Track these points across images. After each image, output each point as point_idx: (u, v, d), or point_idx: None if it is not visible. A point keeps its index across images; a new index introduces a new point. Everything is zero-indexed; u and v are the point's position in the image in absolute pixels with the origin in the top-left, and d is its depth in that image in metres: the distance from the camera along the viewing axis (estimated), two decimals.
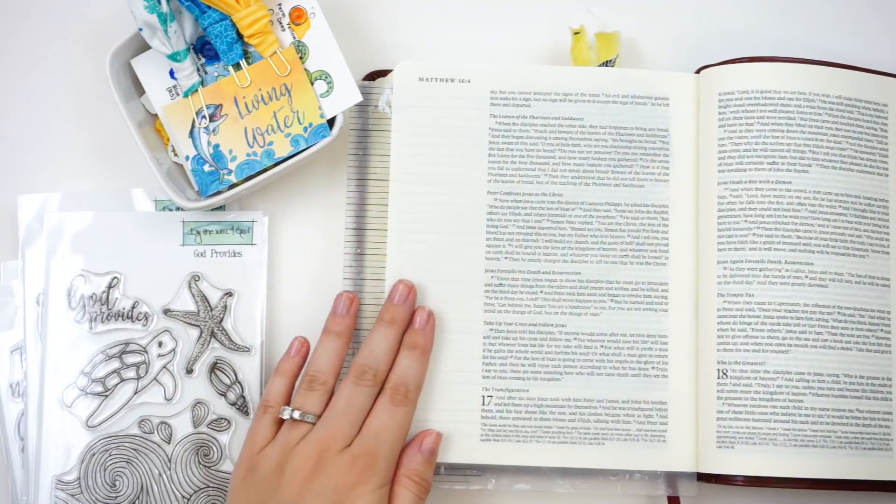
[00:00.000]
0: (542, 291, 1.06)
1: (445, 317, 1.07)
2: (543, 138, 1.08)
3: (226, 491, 1.07)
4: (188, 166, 1.08)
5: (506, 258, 1.07)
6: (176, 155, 1.10)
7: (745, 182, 1.05)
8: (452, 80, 1.09)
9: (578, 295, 1.06)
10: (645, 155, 1.08)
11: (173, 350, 1.09)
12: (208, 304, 1.09)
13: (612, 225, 1.07)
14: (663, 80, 1.09)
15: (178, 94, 1.08)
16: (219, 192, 1.08)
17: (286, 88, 1.07)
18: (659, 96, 1.08)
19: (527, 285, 1.06)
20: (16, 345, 1.10)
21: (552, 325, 1.06)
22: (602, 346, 1.05)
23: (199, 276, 1.10)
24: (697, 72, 1.10)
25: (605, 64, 1.10)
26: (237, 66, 1.08)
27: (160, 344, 1.09)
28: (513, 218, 1.07)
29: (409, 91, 1.10)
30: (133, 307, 1.09)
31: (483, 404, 1.05)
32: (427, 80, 1.10)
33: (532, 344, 1.06)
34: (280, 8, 1.08)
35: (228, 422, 1.08)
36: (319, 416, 1.00)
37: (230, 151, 1.07)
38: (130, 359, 1.09)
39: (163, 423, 1.08)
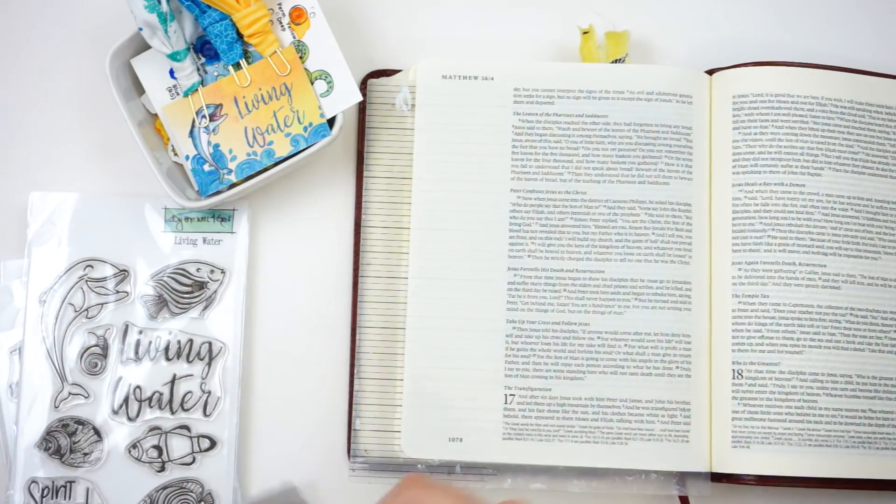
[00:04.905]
0: (565, 289, 1.06)
1: (468, 315, 1.06)
2: (567, 136, 1.08)
3: None
4: (188, 166, 1.07)
5: (529, 256, 1.06)
6: (176, 154, 1.09)
7: (760, 184, 1.06)
8: (476, 78, 1.09)
9: (602, 293, 1.06)
10: (670, 152, 1.08)
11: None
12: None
13: (637, 223, 1.07)
14: (687, 78, 1.10)
15: (178, 94, 1.07)
16: (219, 192, 1.07)
17: (286, 88, 1.06)
18: (683, 94, 1.09)
19: (550, 283, 1.06)
20: (15, 345, 1.08)
21: (575, 323, 1.05)
22: (626, 345, 1.05)
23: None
24: (709, 73, 1.11)
25: (615, 63, 1.10)
26: (237, 66, 1.07)
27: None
28: (536, 216, 1.07)
29: (432, 89, 1.09)
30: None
31: (505, 403, 1.04)
32: (450, 77, 1.09)
33: (555, 342, 1.05)
34: (280, 7, 1.07)
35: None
36: None
37: (230, 151, 1.06)
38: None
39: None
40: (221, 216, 1.10)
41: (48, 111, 1.13)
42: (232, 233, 1.10)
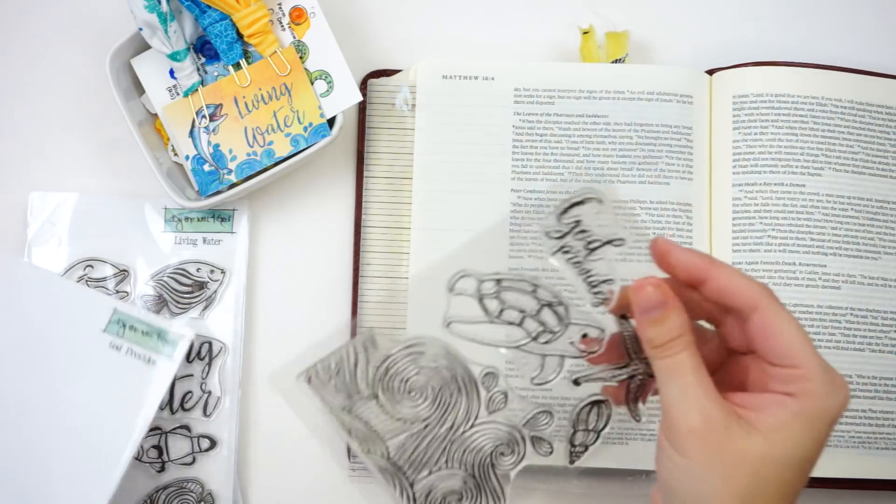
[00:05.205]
0: (565, 290, 1.06)
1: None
2: (567, 136, 1.08)
3: None
4: (188, 166, 1.06)
5: (529, 256, 1.06)
6: (176, 154, 1.09)
7: (760, 184, 1.07)
8: (476, 78, 1.09)
9: None
10: (670, 152, 1.08)
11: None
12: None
13: (637, 222, 1.07)
14: (687, 78, 1.10)
15: (178, 94, 1.07)
16: (219, 192, 1.07)
17: (286, 88, 1.06)
18: (683, 94, 1.09)
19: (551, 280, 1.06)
20: None
21: None
22: None
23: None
24: (709, 73, 1.11)
25: (615, 63, 1.10)
26: (237, 66, 1.06)
27: None
28: (536, 216, 1.07)
29: (432, 89, 1.10)
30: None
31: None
32: (450, 77, 1.09)
33: None
34: (280, 7, 1.07)
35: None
36: None
37: (230, 151, 1.06)
38: None
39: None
40: (221, 216, 1.10)
41: (48, 111, 1.13)
42: (232, 233, 1.10)
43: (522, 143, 1.08)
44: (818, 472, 1.02)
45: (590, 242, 0.83)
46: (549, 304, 0.85)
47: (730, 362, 0.83)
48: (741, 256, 1.06)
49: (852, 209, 1.07)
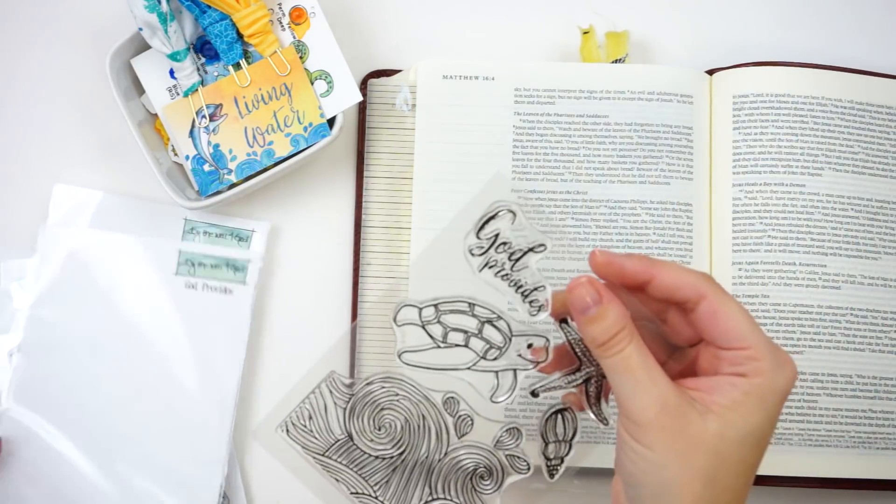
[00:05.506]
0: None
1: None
2: (567, 136, 1.08)
3: None
4: (188, 166, 1.06)
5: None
6: (176, 154, 1.08)
7: (760, 185, 1.07)
8: (476, 78, 1.09)
9: None
10: (670, 152, 1.08)
11: None
12: None
13: (638, 222, 1.07)
14: (688, 78, 1.10)
15: (178, 94, 1.07)
16: (219, 192, 1.07)
17: (286, 88, 1.06)
18: (684, 94, 1.09)
19: (551, 284, 1.05)
20: (15, 347, 1.07)
21: None
22: None
23: None
24: (710, 73, 1.11)
25: (615, 63, 1.10)
26: (237, 66, 1.06)
27: None
28: (536, 216, 1.07)
29: (432, 89, 1.09)
30: None
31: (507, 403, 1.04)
32: (451, 77, 1.09)
33: None
34: (280, 7, 1.07)
35: None
36: None
37: (230, 151, 1.06)
38: None
39: None
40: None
41: (47, 111, 1.13)
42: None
43: (522, 143, 1.08)
44: (819, 472, 1.03)
45: (512, 254, 0.84)
46: (489, 321, 0.87)
47: (677, 354, 0.85)
48: (741, 256, 1.06)
49: (852, 209, 1.07)
